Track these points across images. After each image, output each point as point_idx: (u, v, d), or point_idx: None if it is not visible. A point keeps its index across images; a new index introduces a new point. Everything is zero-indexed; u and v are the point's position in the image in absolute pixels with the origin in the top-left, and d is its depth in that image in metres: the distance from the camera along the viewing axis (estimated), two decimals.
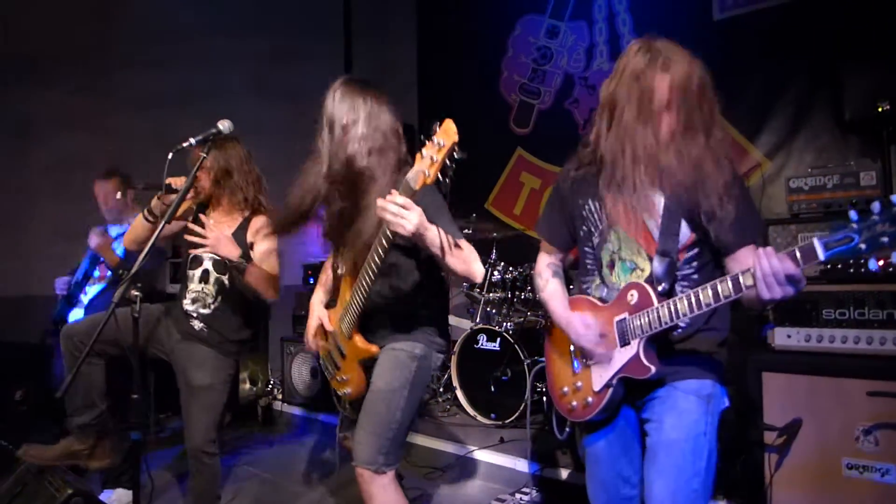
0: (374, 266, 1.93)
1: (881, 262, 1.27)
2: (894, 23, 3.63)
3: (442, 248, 1.85)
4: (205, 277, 2.67)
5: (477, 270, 1.99)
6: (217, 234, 2.45)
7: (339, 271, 2.24)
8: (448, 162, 1.65)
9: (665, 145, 1.59)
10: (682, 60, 1.59)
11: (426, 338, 2.17)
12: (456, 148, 1.63)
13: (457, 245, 1.92)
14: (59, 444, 2.69)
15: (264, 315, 4.64)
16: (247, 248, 2.62)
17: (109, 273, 3.49)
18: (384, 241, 1.85)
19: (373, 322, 2.16)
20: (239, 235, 2.63)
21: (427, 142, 1.66)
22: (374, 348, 2.12)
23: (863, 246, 1.25)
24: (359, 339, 2.13)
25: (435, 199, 1.95)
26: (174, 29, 5.33)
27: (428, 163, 1.65)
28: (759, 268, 1.38)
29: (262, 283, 2.54)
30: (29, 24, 4.55)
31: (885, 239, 1.22)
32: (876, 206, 1.24)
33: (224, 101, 5.36)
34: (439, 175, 1.66)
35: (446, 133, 1.62)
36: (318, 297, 2.38)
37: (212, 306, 2.66)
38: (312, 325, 2.32)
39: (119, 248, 3.46)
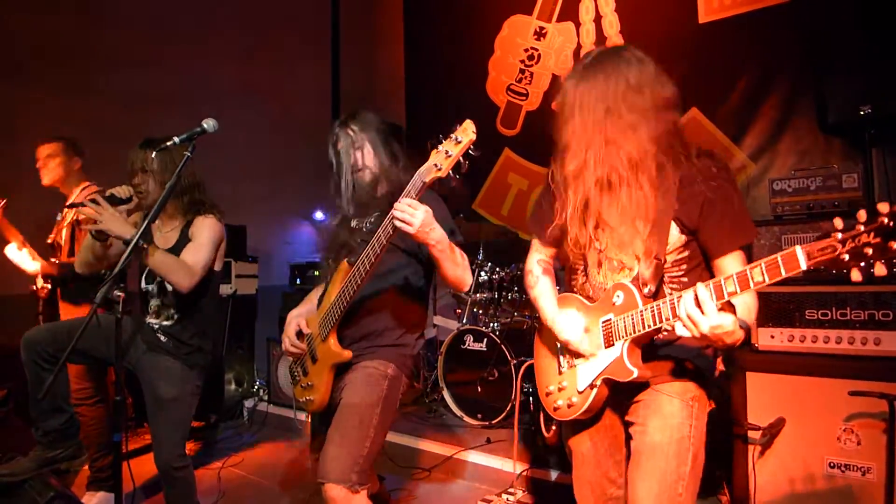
0: (367, 265, 1.91)
1: (863, 272, 1.21)
2: (876, 28, 3.68)
3: (443, 250, 1.87)
4: (162, 289, 2.62)
5: (468, 279, 2.04)
6: (111, 212, 2.33)
7: (329, 277, 2.22)
8: (462, 159, 1.71)
9: (645, 148, 1.60)
10: (631, 65, 1.63)
11: (399, 359, 2.15)
12: (472, 146, 1.70)
13: (456, 249, 1.94)
14: (30, 455, 2.64)
15: (221, 325, 4.70)
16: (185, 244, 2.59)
17: None
18: (383, 240, 1.85)
19: (351, 332, 2.13)
20: (184, 234, 2.61)
21: (444, 138, 1.72)
22: (346, 353, 2.09)
23: (846, 256, 1.19)
24: (333, 342, 2.09)
25: (439, 202, 1.98)
26: (160, 28, 5.28)
27: (443, 157, 1.71)
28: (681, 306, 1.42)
29: (165, 268, 2.41)
30: (13, 23, 4.49)
31: (870, 250, 1.17)
32: (861, 214, 1.18)
33: (210, 100, 5.31)
34: (451, 171, 1.72)
35: (465, 131, 1.70)
36: (298, 310, 2.35)
37: (175, 316, 2.62)
38: (291, 331, 2.27)
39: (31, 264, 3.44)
